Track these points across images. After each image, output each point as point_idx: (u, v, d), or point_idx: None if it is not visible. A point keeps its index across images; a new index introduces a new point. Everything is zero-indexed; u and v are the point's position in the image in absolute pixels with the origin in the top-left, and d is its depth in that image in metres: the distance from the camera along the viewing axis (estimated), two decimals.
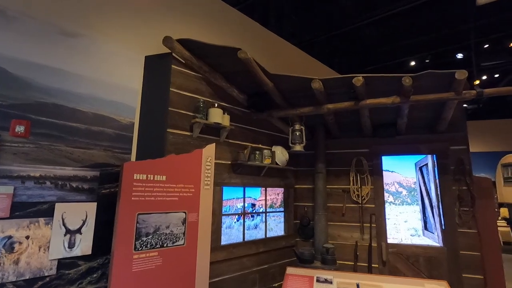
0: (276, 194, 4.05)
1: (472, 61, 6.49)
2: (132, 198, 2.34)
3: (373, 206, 3.88)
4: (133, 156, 2.79)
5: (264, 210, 3.80)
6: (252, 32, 4.41)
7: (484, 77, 7.56)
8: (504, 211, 9.22)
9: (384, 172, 3.93)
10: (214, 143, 3.01)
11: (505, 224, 8.73)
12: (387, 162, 3.97)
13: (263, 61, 3.17)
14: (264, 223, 3.76)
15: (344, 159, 4.12)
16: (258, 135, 3.84)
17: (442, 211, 3.58)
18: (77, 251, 2.34)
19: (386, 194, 4.00)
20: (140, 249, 2.32)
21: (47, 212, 2.22)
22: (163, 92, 2.92)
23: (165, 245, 2.50)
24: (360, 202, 3.92)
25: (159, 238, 2.46)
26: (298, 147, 3.44)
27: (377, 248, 3.75)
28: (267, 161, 3.66)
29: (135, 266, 2.28)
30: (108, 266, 2.46)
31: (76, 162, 2.41)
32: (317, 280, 2.84)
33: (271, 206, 3.94)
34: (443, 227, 3.55)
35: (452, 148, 3.63)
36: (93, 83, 2.60)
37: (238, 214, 3.49)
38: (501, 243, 8.42)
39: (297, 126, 3.50)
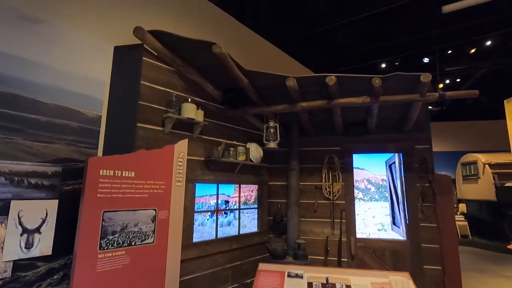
0: (250, 191, 4.06)
1: (436, 65, 6.90)
2: (98, 195, 2.23)
3: (344, 202, 4.01)
4: (100, 151, 2.65)
5: (237, 207, 3.79)
6: (228, 27, 4.36)
7: (447, 81, 8.08)
8: (462, 207, 9.94)
9: (354, 170, 4.07)
10: (187, 139, 2.95)
11: (463, 219, 9.41)
12: (358, 159, 4.12)
13: (238, 57, 3.14)
14: (237, 220, 3.76)
15: (317, 156, 4.21)
16: (232, 132, 3.81)
17: (407, 207, 3.78)
18: (35, 252, 2.19)
19: (356, 191, 4.14)
20: (105, 248, 2.22)
21: (1, 210, 2.06)
22: (133, 85, 2.80)
23: (133, 243, 2.41)
24: (332, 199, 4.03)
25: (127, 237, 2.37)
26: (272, 144, 3.46)
27: (347, 242, 3.88)
28: (241, 158, 3.65)
29: (100, 266, 2.18)
30: (71, 266, 2.33)
31: (35, 157, 2.26)
32: (288, 275, 2.89)
33: (245, 203, 3.94)
34: (407, 222, 3.75)
35: (417, 147, 3.84)
36: (56, 73, 2.44)
37: (211, 211, 3.45)
38: (459, 236, 9.07)
39: (271, 123, 3.52)
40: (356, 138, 4.08)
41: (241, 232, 3.76)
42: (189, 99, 3.12)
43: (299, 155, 4.17)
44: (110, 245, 2.25)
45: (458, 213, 10.02)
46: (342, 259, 3.85)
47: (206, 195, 3.43)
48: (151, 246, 2.55)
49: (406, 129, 3.84)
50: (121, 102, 2.78)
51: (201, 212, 3.33)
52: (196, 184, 3.22)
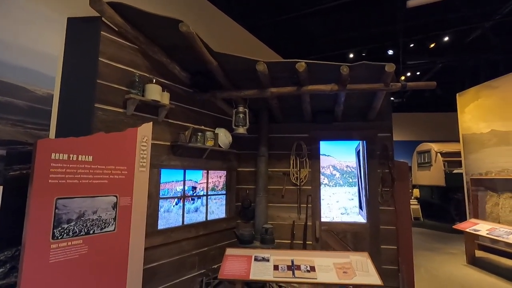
0: (218, 177, 4.01)
1: (400, 58, 7.24)
2: (50, 181, 2.04)
3: (310, 188, 4.12)
4: (52, 133, 2.42)
5: (205, 193, 3.73)
6: (197, 6, 4.15)
7: (408, 74, 8.54)
8: (416, 192, 10.78)
9: (321, 156, 4.18)
10: (151, 122, 2.79)
11: (416, 203, 10.23)
12: (324, 146, 4.22)
13: (207, 39, 3.01)
14: (205, 206, 3.70)
15: (285, 143, 4.25)
16: (200, 116, 3.70)
17: (368, 191, 3.98)
18: None
19: (321, 177, 4.27)
20: (59, 237, 2.06)
21: None
22: (90, 61, 2.57)
23: (91, 232, 2.27)
24: (299, 184, 4.12)
25: (84, 225, 2.22)
26: (241, 130, 3.42)
27: (312, 226, 4.02)
28: (209, 144, 3.57)
29: (54, 257, 2.03)
30: (19, 258, 2.14)
31: None
32: (255, 259, 2.93)
33: (213, 189, 3.89)
34: (368, 206, 3.97)
35: (379, 135, 4.03)
36: None
37: (178, 198, 3.36)
38: (412, 218, 9.87)
39: (241, 109, 3.46)
40: (323, 126, 4.18)
41: (208, 218, 3.72)
42: (154, 80, 2.94)
43: (268, 142, 4.18)
44: (65, 234, 2.09)
45: (412, 197, 10.86)
46: (307, 242, 3.99)
47: (172, 181, 3.33)
48: (112, 234, 2.42)
49: (370, 117, 4.00)
50: (77, 80, 2.54)
51: (166, 198, 3.23)
52: (162, 169, 3.10)
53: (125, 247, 2.52)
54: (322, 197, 4.16)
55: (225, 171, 4.08)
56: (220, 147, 3.76)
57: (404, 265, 3.87)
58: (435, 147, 9.59)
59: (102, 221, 2.35)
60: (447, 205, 9.24)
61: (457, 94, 6.82)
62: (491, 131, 5.82)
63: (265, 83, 3.34)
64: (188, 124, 3.44)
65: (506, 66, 5.77)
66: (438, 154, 9.37)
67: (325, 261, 2.86)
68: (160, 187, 3.09)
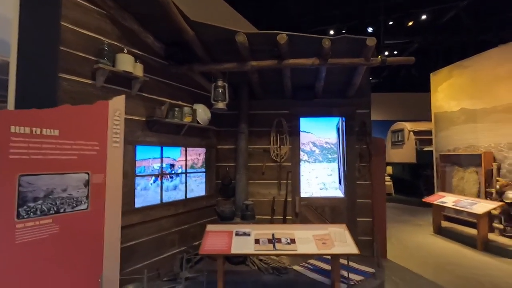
0: (197, 155, 3.91)
1: (380, 36, 7.29)
2: (10, 156, 1.87)
3: (290, 164, 4.14)
4: (10, 105, 2.20)
5: (184, 171, 3.64)
6: None
7: (386, 53, 8.67)
8: (389, 169, 11.28)
9: (301, 133, 4.18)
10: (124, 95, 2.61)
11: (389, 179, 10.73)
12: (304, 123, 4.23)
13: (184, 7, 2.80)
14: (184, 184, 3.62)
15: (266, 119, 4.20)
16: (178, 91, 3.53)
17: (346, 167, 4.08)
18: None
19: (301, 153, 4.30)
20: (25, 216, 1.92)
21: None
22: (51, 26, 2.31)
23: (61, 210, 2.13)
24: (279, 161, 4.13)
25: (53, 203, 2.08)
26: (220, 105, 3.30)
27: (292, 202, 4.09)
28: (187, 119, 3.43)
29: (20, 237, 1.89)
30: None
31: None
32: (236, 234, 2.93)
33: (191, 167, 3.80)
34: (346, 180, 4.08)
35: (358, 112, 4.08)
36: None
37: (155, 175, 3.25)
38: (386, 194, 10.37)
39: (220, 83, 3.33)
40: (303, 102, 4.15)
41: (188, 196, 3.66)
42: (125, 50, 2.73)
43: (249, 118, 4.10)
44: (31, 213, 1.95)
45: (386, 174, 11.38)
46: (287, 217, 4.06)
47: (149, 159, 3.20)
48: (85, 212, 2.30)
49: (350, 94, 4.02)
50: (36, 46, 2.29)
51: (143, 176, 3.11)
52: (137, 146, 2.96)
53: (100, 226, 2.41)
54: (301, 173, 4.21)
55: (204, 149, 3.99)
56: (199, 123, 3.64)
57: (379, 235, 4.08)
58: (408, 126, 9.97)
59: (73, 199, 2.21)
60: (417, 181, 9.78)
61: (431, 74, 7.02)
62: (460, 109, 6.10)
63: (245, 56, 3.21)
64: (164, 99, 3.27)
65: (476, 48, 5.98)
66: (411, 132, 9.77)
67: (304, 233, 2.92)
68: (136, 165, 2.96)
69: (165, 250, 3.28)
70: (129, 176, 2.84)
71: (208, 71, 3.42)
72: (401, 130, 10.35)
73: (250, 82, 3.92)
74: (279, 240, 2.81)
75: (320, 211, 4.05)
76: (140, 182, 3.05)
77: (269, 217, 4.08)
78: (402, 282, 3.45)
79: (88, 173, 2.33)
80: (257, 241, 2.81)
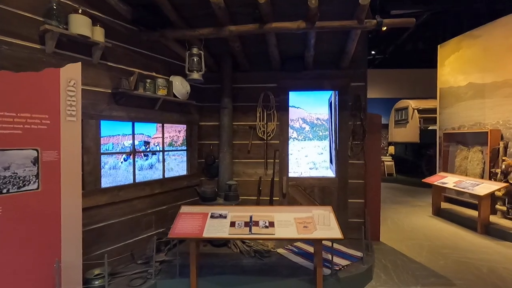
0: (177, 131, 3.64)
1: (385, 6, 6.70)
2: None
3: (278, 142, 3.86)
4: None
5: (161, 149, 3.39)
6: None
7: None
8: (391, 149, 10.96)
9: (290, 108, 3.86)
10: (80, 63, 2.30)
11: (390, 159, 10.43)
12: (293, 98, 3.89)
13: None
14: (161, 163, 3.38)
15: (251, 94, 3.87)
16: (151, 61, 3.20)
17: (338, 144, 3.78)
18: None
19: (290, 130, 4.00)
20: None
21: None
22: None
23: (4, 190, 1.91)
24: (266, 139, 3.85)
25: None
26: (196, 75, 2.98)
27: (279, 182, 3.84)
28: (161, 92, 3.13)
29: None
30: None
31: None
32: (212, 216, 2.72)
33: (170, 145, 3.55)
34: (338, 159, 3.79)
35: (352, 85, 3.72)
36: None
37: (126, 153, 3.01)
38: (386, 174, 10.12)
39: (195, 50, 2.99)
40: (293, 75, 3.79)
41: (166, 176, 3.43)
42: (80, 10, 2.39)
43: (233, 92, 3.78)
44: None
45: (388, 154, 11.06)
46: (274, 198, 3.84)
47: (118, 135, 2.94)
48: (35, 193, 2.07)
49: (343, 65, 3.64)
50: None
51: (111, 154, 2.87)
52: (102, 121, 2.69)
53: (56, 207, 2.20)
54: (290, 151, 3.93)
55: (185, 125, 3.71)
56: (176, 97, 3.34)
57: (370, 217, 3.84)
58: (412, 103, 9.51)
59: (18, 178, 1.98)
60: (419, 161, 9.47)
61: (439, 46, 6.50)
62: (468, 84, 5.66)
63: (222, 20, 2.85)
64: (135, 69, 2.96)
65: (489, 18, 5.41)
66: (415, 110, 9.33)
67: (285, 216, 2.69)
68: (103, 141, 2.71)
69: (140, 232, 3.10)
70: (93, 153, 2.60)
71: (182, 38, 3.06)
72: (405, 108, 9.90)
73: (233, 52, 3.56)
74: (256, 223, 2.58)
75: (309, 192, 3.81)
76: (107, 161, 2.81)
77: (255, 198, 3.86)
78: (392, 267, 3.25)
79: (37, 150, 2.08)
80: (232, 224, 2.59)
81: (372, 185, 3.92)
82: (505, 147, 4.75)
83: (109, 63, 2.75)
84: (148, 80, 3.01)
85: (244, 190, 3.86)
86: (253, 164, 3.91)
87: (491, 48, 5.17)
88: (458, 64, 5.95)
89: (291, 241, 3.25)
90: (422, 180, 5.71)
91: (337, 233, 2.46)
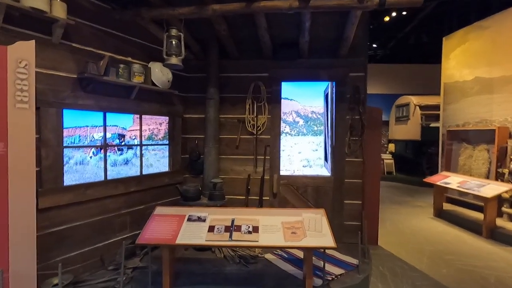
0: (157, 124, 3.32)
1: None
2: None
3: (269, 137, 3.54)
4: None
5: (139, 143, 3.07)
6: None
7: (394, 14, 7.64)
8: (391, 146, 10.64)
9: (282, 100, 3.54)
10: (33, 41, 1.98)
11: (390, 157, 10.12)
12: (287, 89, 3.57)
13: None
14: (139, 158, 3.07)
15: (241, 84, 3.54)
16: (126, 45, 2.87)
17: (334, 141, 3.46)
18: None
19: (283, 124, 3.69)
20: None
21: None
22: None
23: None
24: (256, 133, 3.53)
25: None
26: (174, 60, 2.64)
27: (270, 180, 3.53)
28: (137, 80, 2.81)
29: None
30: None
31: None
32: (189, 219, 2.41)
33: (150, 138, 3.23)
34: (334, 157, 3.48)
35: (351, 75, 3.39)
36: None
37: (96, 147, 2.69)
38: (385, 172, 9.82)
39: (173, 32, 2.64)
40: (286, 63, 3.46)
41: (144, 173, 3.12)
42: None
43: (221, 82, 3.45)
44: None
45: (388, 152, 10.75)
46: (264, 198, 3.53)
47: (86, 126, 2.62)
48: None
49: (342, 53, 3.31)
50: None
51: (77, 147, 2.55)
52: (65, 110, 2.36)
53: (2, 208, 1.89)
54: (282, 147, 3.61)
55: (167, 117, 3.38)
56: (155, 85, 3.01)
57: (368, 219, 3.55)
58: (414, 100, 9.17)
59: None
60: (420, 159, 9.15)
61: (444, 38, 6.16)
62: (474, 78, 5.32)
63: None
64: (106, 53, 2.62)
65: (500, 4, 5.06)
66: (417, 107, 8.99)
67: (272, 220, 2.38)
68: (66, 133, 2.39)
69: (112, 235, 2.80)
70: (52, 146, 2.28)
71: (160, 18, 2.72)
72: (407, 105, 9.55)
73: (219, 37, 3.22)
74: (238, 228, 2.27)
75: (302, 192, 3.50)
76: (73, 155, 2.50)
77: (243, 197, 3.55)
78: (391, 275, 2.96)
79: None
80: (211, 229, 2.28)
81: (370, 185, 3.62)
82: None
83: (73, 44, 2.42)
84: (122, 66, 2.68)
85: (231, 189, 3.55)
86: (241, 161, 3.59)
87: (501, 40, 4.83)
88: (464, 57, 5.61)
89: (281, 248, 2.95)
90: (424, 180, 5.41)
91: (329, 241, 2.15)
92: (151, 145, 3.25)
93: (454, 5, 7.12)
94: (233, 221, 2.35)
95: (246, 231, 2.25)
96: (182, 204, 3.13)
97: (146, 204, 3.11)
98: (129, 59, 2.85)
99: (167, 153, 3.44)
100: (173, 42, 2.62)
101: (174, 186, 3.33)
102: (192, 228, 2.30)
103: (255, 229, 2.27)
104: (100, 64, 2.52)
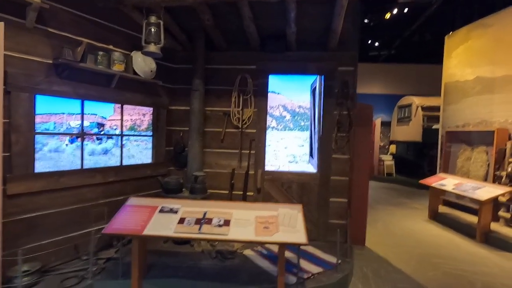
0: (141, 115, 3.31)
1: None
2: None
3: (254, 131, 3.46)
4: None
5: (120, 133, 3.02)
6: None
7: (395, 11, 7.44)
8: (392, 148, 10.44)
9: (269, 94, 3.46)
10: (2, 23, 1.94)
11: (391, 159, 9.93)
12: (274, 82, 3.47)
13: None
14: (119, 148, 3.02)
15: (228, 76, 3.47)
16: (108, 32, 2.83)
17: (321, 136, 3.37)
18: None
19: (269, 119, 3.60)
20: None
21: None
22: None
23: None
24: (241, 127, 3.46)
25: None
26: (152, 48, 2.58)
27: (254, 175, 3.46)
28: (117, 68, 2.76)
29: None
30: None
31: None
32: (161, 211, 2.35)
33: (132, 129, 3.22)
34: (320, 153, 3.39)
35: (340, 69, 3.29)
36: None
37: (72, 135, 2.66)
38: (385, 174, 9.65)
39: (153, 19, 2.58)
40: (273, 56, 3.38)
41: (125, 163, 3.08)
42: None
43: (207, 74, 3.39)
44: None
45: (388, 153, 10.55)
46: (248, 193, 3.46)
47: (62, 114, 2.65)
48: None
49: (331, 46, 3.21)
50: None
51: (51, 134, 2.52)
52: (38, 95, 2.33)
53: None
54: (268, 142, 3.54)
55: (151, 108, 3.33)
56: (137, 75, 2.96)
57: (355, 219, 3.45)
58: (416, 100, 8.99)
59: None
60: (421, 161, 8.96)
61: (446, 36, 5.98)
62: (476, 77, 5.15)
63: None
64: (84, 39, 2.58)
65: (504, 1, 4.87)
66: (419, 108, 8.81)
67: (246, 214, 2.31)
68: (39, 119, 2.35)
69: (89, 225, 2.75)
70: (23, 132, 2.24)
71: (141, 5, 2.66)
72: (409, 106, 9.36)
73: (205, 28, 3.16)
74: (209, 221, 2.21)
75: (287, 188, 3.42)
76: (47, 142, 2.48)
77: (227, 192, 3.49)
78: (374, 276, 2.86)
79: None
80: (182, 221, 2.22)
81: (358, 183, 3.51)
82: None
83: (49, 29, 2.38)
84: (101, 53, 2.64)
85: (216, 183, 3.49)
86: (226, 155, 3.53)
87: (504, 38, 4.65)
88: (466, 56, 5.44)
89: (250, 243, 2.86)
90: (419, 181, 5.26)
91: (301, 237, 2.07)
92: (133, 135, 3.22)
93: (457, 2, 6.92)
94: (205, 213, 2.29)
95: (217, 224, 2.18)
96: (163, 196, 3.08)
97: (126, 195, 3.05)
98: (111, 47, 2.81)
99: (150, 145, 3.39)
100: (152, 30, 2.56)
101: (156, 178, 3.28)
102: (163, 219, 2.24)
103: (227, 223, 2.20)
104: (77, 50, 2.48)
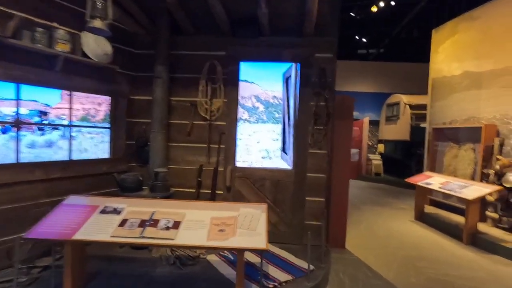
0: (96, 104, 2.95)
1: None
2: None
3: (224, 123, 3.16)
4: None
5: (68, 123, 2.68)
6: None
7: (381, 4, 7.23)
8: (381, 147, 10.26)
9: (241, 83, 3.16)
10: None
11: (379, 158, 9.75)
12: (246, 70, 3.18)
13: None
14: (68, 141, 2.68)
15: (195, 63, 3.16)
16: (52, 8, 2.49)
17: (296, 130, 3.08)
18: None
19: (240, 110, 3.31)
20: None
21: None
22: None
23: None
24: (210, 119, 3.15)
25: None
26: (98, 23, 2.25)
27: (224, 172, 3.15)
28: (61, 47, 2.42)
29: None
30: None
31: None
32: (102, 211, 2.02)
33: (84, 119, 2.85)
34: (295, 148, 3.10)
35: (317, 56, 3.01)
36: None
37: (4, 123, 2.30)
38: (373, 173, 9.46)
39: None
40: (246, 41, 3.09)
41: (76, 158, 2.73)
42: None
43: (172, 61, 3.07)
44: None
45: (377, 153, 10.39)
46: (217, 192, 3.15)
47: None
48: None
49: (307, 31, 2.94)
50: None
51: None
52: None
53: None
54: (239, 136, 3.24)
55: (109, 97, 3.00)
56: (88, 57, 2.62)
57: (334, 220, 3.18)
58: (404, 98, 8.83)
59: None
60: (409, 160, 8.79)
61: (433, 30, 5.80)
62: (463, 72, 4.96)
63: None
64: (19, 13, 2.23)
65: None
66: (407, 106, 8.65)
67: (200, 214, 2.01)
68: None
69: (27, 227, 2.39)
70: None
71: None
72: (397, 104, 9.20)
73: (170, 10, 2.84)
74: (155, 223, 1.89)
75: (259, 186, 3.12)
76: None
77: (193, 190, 3.17)
78: (350, 283, 2.58)
79: None
80: (123, 223, 1.90)
81: (337, 181, 3.25)
82: (501, 145, 4.08)
83: None
84: (40, 30, 2.29)
85: (182, 181, 3.18)
86: (194, 149, 3.21)
87: (491, 31, 4.47)
88: (453, 50, 5.25)
89: (198, 248, 2.55)
90: (405, 180, 5.04)
91: (260, 242, 1.77)
92: (86, 127, 2.86)
93: None
94: (152, 214, 1.97)
95: (164, 226, 1.87)
96: (120, 195, 2.75)
97: (76, 194, 2.72)
98: (55, 24, 2.46)
99: (108, 138, 3.05)
100: (98, 3, 2.23)
101: (112, 175, 2.94)
102: (101, 221, 1.92)
103: (176, 225, 1.89)
104: (8, 25, 2.13)
